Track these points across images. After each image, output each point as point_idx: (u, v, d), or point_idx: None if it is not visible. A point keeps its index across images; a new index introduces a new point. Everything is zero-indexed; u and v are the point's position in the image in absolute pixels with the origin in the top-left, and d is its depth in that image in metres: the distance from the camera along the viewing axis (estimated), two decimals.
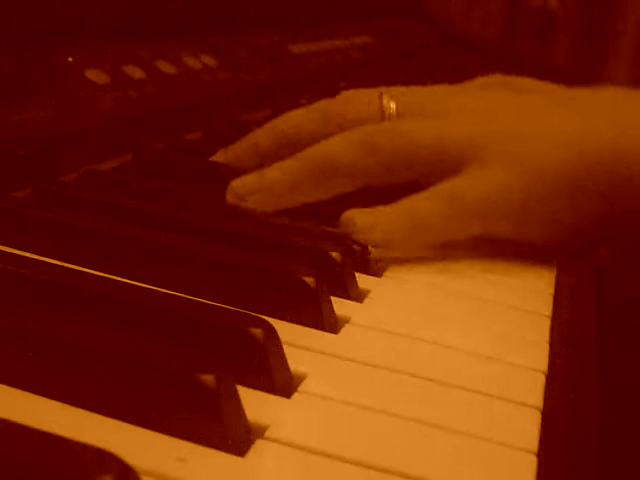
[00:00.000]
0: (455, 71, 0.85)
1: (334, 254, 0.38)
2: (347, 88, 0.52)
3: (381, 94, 0.48)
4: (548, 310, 0.39)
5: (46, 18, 0.49)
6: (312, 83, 0.77)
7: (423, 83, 0.75)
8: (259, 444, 0.25)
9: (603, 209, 0.44)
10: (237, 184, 0.45)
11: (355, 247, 0.41)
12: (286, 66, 0.75)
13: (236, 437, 0.25)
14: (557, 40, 1.67)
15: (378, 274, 0.40)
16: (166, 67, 0.57)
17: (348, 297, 0.37)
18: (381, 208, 0.43)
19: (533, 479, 0.26)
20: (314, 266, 0.35)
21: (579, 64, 1.65)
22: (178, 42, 0.62)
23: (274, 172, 0.45)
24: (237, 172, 0.46)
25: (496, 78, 0.56)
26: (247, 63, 0.68)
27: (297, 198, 0.45)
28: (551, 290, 0.42)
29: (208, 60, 0.63)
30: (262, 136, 0.50)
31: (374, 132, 0.45)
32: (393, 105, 0.48)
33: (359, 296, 0.38)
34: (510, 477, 0.26)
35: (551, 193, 0.43)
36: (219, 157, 0.50)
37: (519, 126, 0.45)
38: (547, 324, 0.37)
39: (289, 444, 0.25)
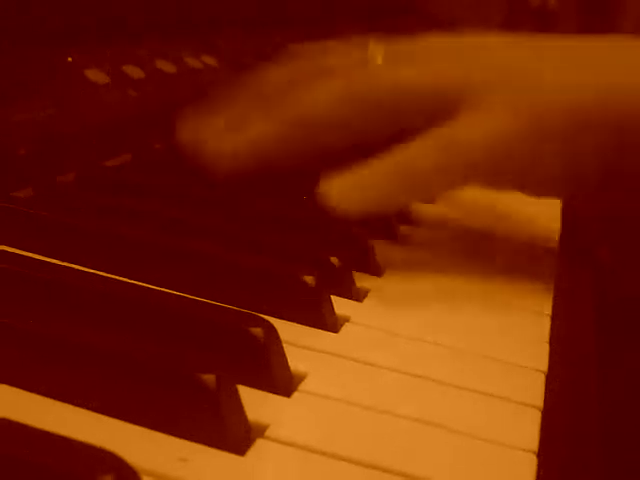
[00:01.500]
0: None
1: (336, 257, 0.37)
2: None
3: (368, 42, 0.45)
4: (548, 310, 0.39)
5: (46, 18, 0.49)
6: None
7: None
8: (259, 443, 0.25)
9: (611, 155, 0.41)
10: (221, 144, 0.43)
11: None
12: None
13: (236, 436, 0.25)
14: None
15: (379, 273, 0.40)
16: (166, 67, 0.57)
17: (348, 296, 0.37)
18: (362, 165, 0.39)
19: (533, 479, 0.26)
20: (314, 265, 0.35)
21: None
22: (178, 42, 0.61)
23: (259, 127, 0.43)
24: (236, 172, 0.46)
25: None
26: (247, 63, 0.68)
27: (284, 155, 0.42)
28: (551, 290, 0.42)
29: (208, 60, 0.63)
30: (242, 95, 0.47)
31: (354, 79, 0.42)
32: (380, 52, 0.44)
33: (359, 295, 0.38)
34: (510, 477, 0.26)
35: (554, 138, 0.40)
36: (188, 127, 0.47)
37: (521, 65, 0.42)
38: (547, 324, 0.37)
39: (289, 443, 0.25)
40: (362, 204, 0.38)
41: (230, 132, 0.43)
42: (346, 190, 0.38)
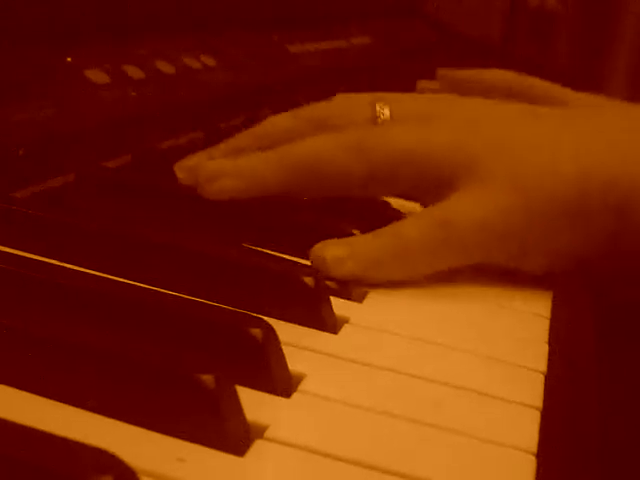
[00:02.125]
0: None
1: None
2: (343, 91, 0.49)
3: (374, 99, 0.45)
4: (547, 310, 0.39)
5: (46, 18, 0.49)
6: (311, 83, 0.77)
7: None
8: (258, 444, 0.25)
9: (611, 238, 0.40)
10: (209, 165, 0.42)
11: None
12: (285, 66, 0.75)
13: (235, 437, 0.25)
14: (556, 40, 1.67)
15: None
16: (166, 67, 0.57)
17: (347, 297, 0.37)
18: (358, 236, 0.39)
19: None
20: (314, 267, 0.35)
21: (578, 64, 1.65)
22: (178, 42, 0.61)
23: (252, 159, 0.42)
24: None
25: (504, 76, 0.53)
26: (246, 63, 0.68)
27: (270, 189, 0.42)
28: (550, 291, 0.42)
29: (207, 60, 0.63)
30: (245, 138, 0.47)
31: (364, 135, 0.42)
32: (387, 111, 0.45)
33: (359, 296, 0.37)
34: (509, 478, 0.26)
35: (555, 219, 0.39)
36: (191, 161, 0.46)
37: (524, 144, 0.41)
38: (546, 324, 0.37)
39: (288, 444, 0.25)
40: (355, 275, 0.38)
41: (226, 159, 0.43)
42: (339, 258, 0.38)
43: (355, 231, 0.36)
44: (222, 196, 0.41)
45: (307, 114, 0.46)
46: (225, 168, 0.42)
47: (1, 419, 0.23)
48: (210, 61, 0.63)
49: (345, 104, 0.47)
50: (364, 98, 0.46)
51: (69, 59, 0.50)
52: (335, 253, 0.38)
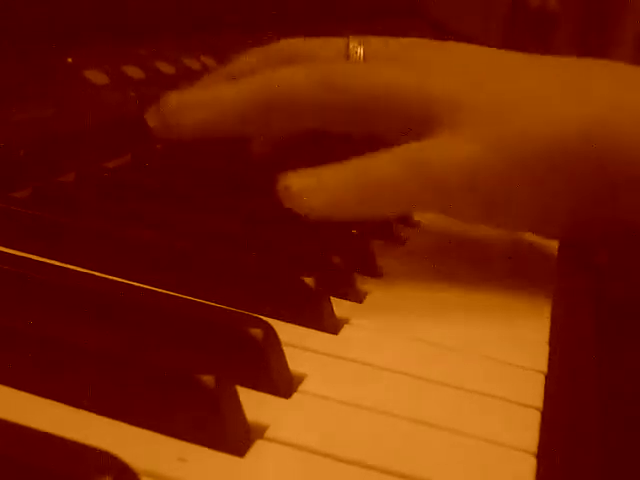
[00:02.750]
0: None
1: (335, 258, 0.37)
2: None
3: (349, 38, 0.43)
4: (548, 311, 0.39)
5: (46, 19, 0.49)
6: None
7: None
8: (259, 444, 0.25)
9: (597, 196, 0.38)
10: (175, 95, 0.40)
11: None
12: None
13: (236, 437, 0.25)
14: (557, 40, 1.67)
15: (378, 274, 0.40)
16: (165, 67, 0.57)
17: (348, 297, 0.37)
18: (327, 167, 0.37)
19: None
20: (314, 266, 0.35)
21: None
22: (177, 42, 0.62)
23: (224, 90, 0.40)
24: (234, 172, 0.45)
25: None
26: None
27: (240, 124, 0.40)
28: (551, 291, 0.42)
29: (207, 60, 0.63)
30: (214, 76, 0.44)
31: (336, 69, 0.40)
32: (360, 50, 0.42)
33: (359, 296, 0.37)
34: (509, 478, 0.26)
35: (528, 178, 0.37)
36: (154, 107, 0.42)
37: (505, 91, 0.39)
38: (547, 324, 0.37)
39: (289, 444, 0.25)
40: (321, 207, 0.36)
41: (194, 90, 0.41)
42: (305, 186, 0.36)
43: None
44: (187, 130, 0.39)
45: (277, 49, 0.44)
46: (189, 99, 0.40)
47: (1, 419, 0.23)
48: (210, 61, 0.63)
49: (318, 42, 0.45)
50: (337, 38, 0.44)
51: (69, 59, 0.50)
52: (302, 183, 0.36)
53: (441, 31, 1.33)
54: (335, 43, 0.43)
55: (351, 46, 0.42)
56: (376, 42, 0.44)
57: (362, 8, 1.12)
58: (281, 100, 0.39)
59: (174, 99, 0.40)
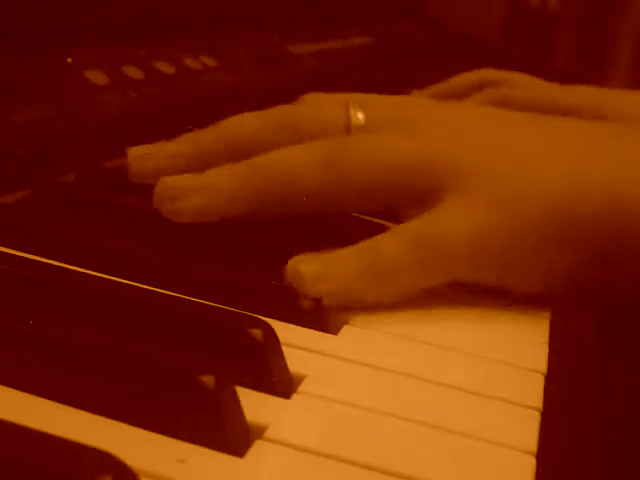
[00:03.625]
0: (454, 72, 0.85)
1: None
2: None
3: (347, 102, 0.42)
4: (547, 311, 0.39)
5: (46, 19, 0.49)
6: (311, 84, 0.77)
7: (422, 85, 0.74)
8: (258, 445, 0.25)
9: (602, 256, 0.37)
10: (172, 181, 0.38)
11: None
12: (285, 67, 0.75)
13: (235, 438, 0.25)
14: (557, 41, 1.67)
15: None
16: (165, 68, 0.57)
17: None
18: (336, 253, 0.36)
19: None
20: None
21: (579, 65, 1.65)
22: (177, 43, 0.62)
23: (221, 176, 0.38)
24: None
25: (487, 75, 0.49)
26: (246, 64, 0.68)
27: (242, 209, 0.38)
28: None
29: (207, 60, 0.63)
30: (206, 138, 0.42)
31: (339, 147, 0.39)
32: (361, 116, 0.41)
33: None
34: (509, 478, 0.26)
35: (542, 238, 0.37)
36: (148, 159, 0.42)
37: (510, 152, 0.39)
38: (546, 325, 0.37)
39: (288, 445, 0.25)
40: (329, 291, 0.35)
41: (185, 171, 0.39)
42: (312, 276, 0.35)
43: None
44: (185, 216, 0.38)
45: (276, 118, 0.42)
46: (186, 186, 0.38)
47: (1, 419, 0.23)
48: (210, 61, 0.63)
49: (316, 107, 0.44)
50: (336, 100, 0.43)
51: (69, 60, 0.50)
52: (312, 269, 0.35)
53: (441, 31, 1.33)
54: (335, 110, 0.42)
55: (351, 112, 0.41)
56: (376, 104, 0.43)
57: (362, 8, 1.12)
58: (284, 190, 0.38)
59: (171, 185, 0.38)
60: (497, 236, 0.37)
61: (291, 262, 0.35)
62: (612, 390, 0.39)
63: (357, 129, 0.41)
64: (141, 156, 0.42)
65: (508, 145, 0.40)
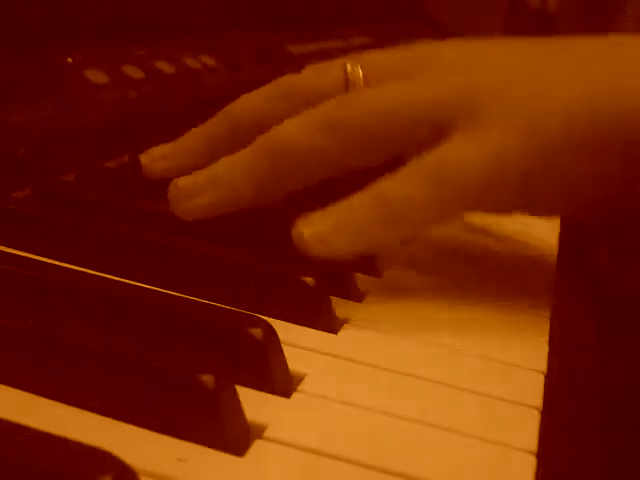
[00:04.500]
0: None
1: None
2: None
3: (345, 60, 0.41)
4: (547, 310, 0.39)
5: (45, 18, 0.49)
6: None
7: None
8: (258, 444, 0.25)
9: (624, 175, 0.36)
10: (183, 182, 0.38)
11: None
12: (285, 66, 0.75)
13: (235, 437, 0.25)
14: None
15: (377, 276, 0.40)
16: (165, 67, 0.57)
17: (348, 297, 0.37)
18: (339, 205, 0.35)
19: None
20: (314, 266, 0.35)
21: None
22: (177, 42, 0.62)
23: (229, 166, 0.38)
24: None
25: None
26: (246, 63, 0.68)
27: (259, 194, 0.38)
28: (550, 290, 0.42)
29: (207, 60, 0.63)
30: (215, 125, 0.42)
31: (334, 107, 0.38)
32: (358, 70, 0.40)
33: (359, 296, 0.37)
34: (509, 478, 0.26)
35: (561, 162, 0.35)
36: (155, 154, 0.42)
37: (520, 80, 0.37)
38: (547, 324, 0.37)
39: (288, 444, 0.25)
40: (343, 246, 0.34)
41: (199, 165, 0.39)
42: (324, 232, 0.34)
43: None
44: (202, 212, 0.38)
45: (276, 90, 0.42)
46: (199, 182, 0.38)
47: (1, 419, 0.23)
48: (210, 61, 0.63)
49: (315, 72, 0.43)
50: (334, 62, 0.42)
51: (69, 59, 0.50)
52: (315, 229, 0.34)
53: (441, 31, 1.33)
54: (332, 70, 0.41)
55: (349, 69, 0.41)
56: (373, 59, 0.42)
57: (362, 9, 1.12)
58: (289, 161, 0.37)
59: (182, 186, 0.38)
60: (514, 159, 0.35)
61: (295, 225, 0.34)
62: (612, 390, 0.39)
63: (357, 86, 0.40)
64: (154, 158, 0.42)
65: (517, 69, 0.38)
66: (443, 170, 0.35)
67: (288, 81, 0.42)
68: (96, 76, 0.50)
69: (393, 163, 0.36)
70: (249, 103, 0.42)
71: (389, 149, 0.38)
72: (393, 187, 0.35)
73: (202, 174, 0.38)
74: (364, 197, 0.35)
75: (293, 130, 0.38)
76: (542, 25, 1.66)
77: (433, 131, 0.36)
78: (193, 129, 0.43)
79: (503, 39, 0.42)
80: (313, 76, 0.42)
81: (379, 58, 0.42)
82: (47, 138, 0.44)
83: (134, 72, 0.54)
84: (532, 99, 0.36)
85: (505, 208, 0.38)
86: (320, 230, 0.34)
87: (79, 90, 0.48)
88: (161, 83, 0.55)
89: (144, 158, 0.43)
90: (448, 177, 0.35)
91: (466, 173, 0.35)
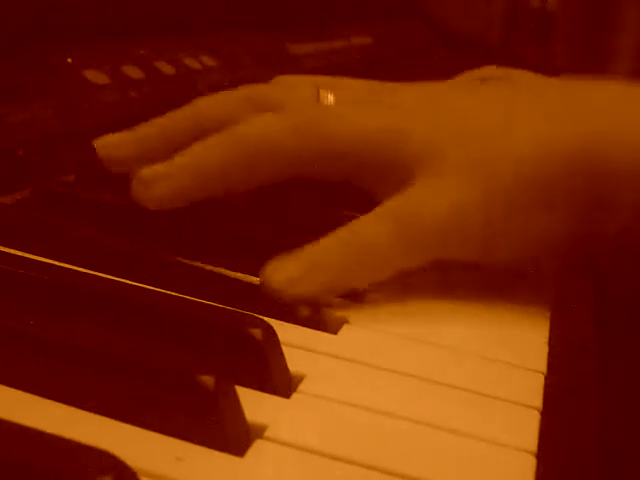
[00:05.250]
0: (455, 72, 0.85)
1: None
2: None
3: (317, 83, 0.42)
4: (547, 311, 0.39)
5: (45, 18, 0.49)
6: None
7: None
8: (258, 444, 0.25)
9: (582, 213, 0.37)
10: (145, 170, 0.38)
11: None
12: (285, 66, 0.75)
13: (235, 437, 0.25)
14: (557, 41, 1.67)
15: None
16: (165, 67, 0.57)
17: (347, 297, 0.37)
18: (308, 248, 0.35)
19: None
20: None
21: (579, 65, 1.65)
22: (177, 42, 0.62)
23: (196, 150, 0.38)
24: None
25: (489, 72, 0.49)
26: (246, 63, 0.68)
27: (223, 184, 0.38)
28: (551, 290, 0.42)
29: (207, 60, 0.63)
30: (177, 118, 0.42)
31: (312, 115, 0.39)
32: (331, 97, 0.41)
33: (358, 296, 0.37)
34: (509, 478, 0.26)
35: (519, 206, 0.36)
36: (111, 141, 0.42)
37: (480, 128, 0.38)
38: (547, 324, 0.37)
39: (288, 444, 0.25)
40: (313, 289, 0.34)
41: (164, 156, 0.39)
42: (292, 277, 0.34)
43: None
44: (167, 200, 0.38)
45: (246, 95, 0.42)
46: (163, 170, 0.38)
47: (2, 419, 0.23)
48: (210, 61, 0.63)
49: (286, 88, 0.43)
50: (306, 82, 0.43)
51: (69, 59, 0.50)
52: (283, 274, 0.34)
53: (441, 31, 1.33)
54: (304, 87, 0.42)
55: (322, 94, 0.41)
56: (346, 85, 0.43)
57: (362, 8, 1.12)
58: (258, 151, 0.38)
59: (147, 173, 0.38)
60: (473, 210, 0.36)
61: (262, 272, 0.34)
62: (612, 390, 0.39)
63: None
64: (108, 145, 0.42)
65: (477, 120, 0.39)
66: (406, 214, 0.36)
67: (261, 90, 0.43)
68: (96, 76, 0.50)
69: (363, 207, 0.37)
70: (215, 101, 0.42)
71: (350, 169, 0.39)
72: (360, 228, 0.36)
73: (166, 162, 0.38)
74: (331, 239, 0.36)
75: (267, 126, 0.38)
76: (542, 24, 1.66)
77: (397, 165, 0.37)
78: (153, 119, 0.43)
79: (467, 86, 0.44)
80: (286, 92, 0.43)
81: (353, 86, 0.44)
82: (47, 138, 0.44)
83: (134, 72, 0.54)
84: (490, 151, 0.37)
85: (469, 257, 0.38)
86: (288, 275, 0.34)
87: (79, 90, 0.48)
88: (161, 83, 0.55)
89: (98, 145, 0.42)
90: (410, 221, 0.36)
91: (427, 219, 0.36)
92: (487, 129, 0.38)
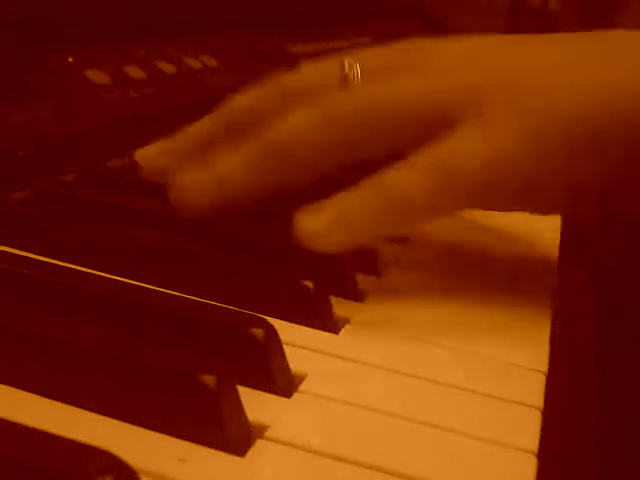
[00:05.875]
0: None
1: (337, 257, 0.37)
2: None
3: (342, 58, 0.41)
4: (548, 310, 0.39)
5: (46, 18, 0.49)
6: None
7: None
8: (259, 444, 0.25)
9: (631, 161, 0.35)
10: (186, 181, 0.38)
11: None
12: (285, 66, 0.75)
13: (236, 437, 0.25)
14: None
15: (378, 275, 0.40)
16: (166, 67, 0.57)
17: (348, 297, 0.37)
18: (340, 196, 0.34)
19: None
20: (315, 267, 0.35)
21: None
22: (178, 42, 0.62)
23: (232, 165, 0.38)
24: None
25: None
26: (246, 63, 0.68)
27: (261, 192, 0.38)
28: (551, 290, 0.42)
29: (208, 60, 0.63)
30: (208, 123, 0.42)
31: (337, 102, 0.37)
32: (357, 68, 0.40)
33: (360, 296, 0.37)
34: (510, 478, 0.26)
35: (567, 150, 0.35)
36: (150, 152, 0.42)
37: (521, 70, 0.37)
38: (547, 324, 0.37)
39: (289, 444, 0.25)
40: (344, 238, 0.34)
41: (196, 165, 0.39)
42: (325, 224, 0.34)
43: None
44: (205, 211, 0.38)
45: (271, 89, 0.42)
46: (202, 181, 0.38)
47: (2, 419, 0.23)
48: (210, 61, 0.63)
49: (310, 70, 0.43)
50: (331, 59, 0.42)
51: (69, 59, 0.50)
52: (317, 221, 0.34)
53: (442, 31, 1.33)
54: (330, 67, 0.41)
55: (347, 67, 0.40)
56: (371, 55, 0.41)
57: (362, 8, 1.12)
58: (293, 157, 0.37)
59: (183, 183, 0.38)
60: (518, 157, 0.34)
61: (296, 221, 0.34)
62: (612, 390, 0.39)
63: (355, 82, 0.40)
64: (149, 156, 0.43)
65: (519, 66, 0.37)
66: (446, 162, 0.34)
67: (284, 78, 0.42)
68: (97, 76, 0.50)
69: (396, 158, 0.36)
70: (245, 100, 0.42)
71: (392, 143, 0.37)
72: (394, 177, 0.35)
73: (204, 173, 0.38)
74: (364, 187, 0.35)
75: (296, 126, 0.37)
76: (543, 24, 1.66)
77: (435, 125, 0.35)
78: (188, 126, 0.43)
79: (501, 36, 0.41)
80: (310, 73, 0.42)
81: (377, 54, 0.42)
82: (47, 138, 0.44)
83: (135, 72, 0.54)
84: (538, 95, 0.35)
85: (506, 205, 0.37)
86: (322, 221, 0.34)
87: (80, 90, 0.48)
88: (162, 83, 0.55)
89: (139, 156, 0.43)
90: (451, 169, 0.34)
91: (469, 166, 0.34)
92: (533, 75, 0.36)
